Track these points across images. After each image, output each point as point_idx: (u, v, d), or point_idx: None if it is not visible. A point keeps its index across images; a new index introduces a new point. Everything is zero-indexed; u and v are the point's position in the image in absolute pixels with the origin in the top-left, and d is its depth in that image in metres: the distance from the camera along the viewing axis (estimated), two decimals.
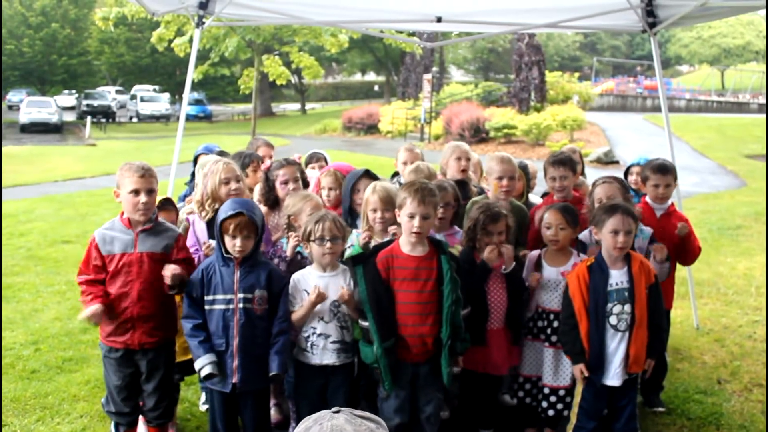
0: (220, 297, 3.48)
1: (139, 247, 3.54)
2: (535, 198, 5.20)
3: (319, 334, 3.59)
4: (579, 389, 3.86)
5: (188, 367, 4.15)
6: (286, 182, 4.39)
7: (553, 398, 4.00)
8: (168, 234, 3.64)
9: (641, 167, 4.96)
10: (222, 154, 5.25)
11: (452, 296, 3.48)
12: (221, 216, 3.47)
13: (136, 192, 3.48)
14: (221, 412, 3.58)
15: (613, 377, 3.69)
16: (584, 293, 3.67)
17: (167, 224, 3.74)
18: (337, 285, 3.59)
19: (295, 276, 3.66)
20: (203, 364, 3.42)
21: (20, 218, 11.05)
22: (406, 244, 3.56)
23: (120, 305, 3.54)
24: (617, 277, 3.68)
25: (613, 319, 3.65)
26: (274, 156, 5.55)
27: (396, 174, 5.34)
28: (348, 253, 3.83)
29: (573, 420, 3.90)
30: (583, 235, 4.20)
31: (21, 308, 6.52)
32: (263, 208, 4.36)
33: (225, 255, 3.49)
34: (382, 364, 3.47)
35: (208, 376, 3.43)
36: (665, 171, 4.48)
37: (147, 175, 3.51)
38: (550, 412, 4.02)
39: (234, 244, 3.43)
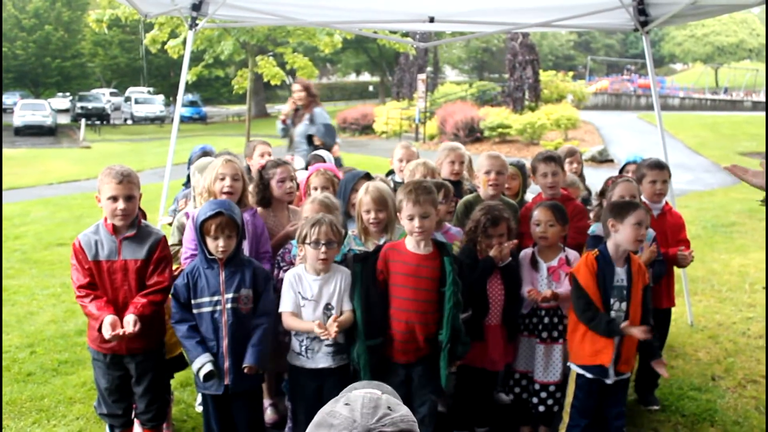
0: (206, 299, 3.47)
1: (123, 254, 3.50)
2: (531, 197, 5.22)
3: (314, 338, 3.58)
4: (571, 389, 3.87)
5: (176, 365, 4.16)
6: (283, 180, 4.39)
7: (543, 394, 4.03)
8: (151, 238, 3.59)
9: (636, 165, 5.00)
10: (207, 154, 5.25)
11: (453, 299, 3.50)
12: (200, 217, 3.45)
13: (114, 198, 3.44)
14: (215, 414, 3.59)
15: (607, 375, 3.71)
16: (596, 284, 3.67)
17: (151, 228, 3.69)
18: (331, 287, 3.59)
19: (289, 275, 3.65)
20: (202, 362, 3.40)
21: (15, 221, 11.04)
22: (411, 242, 3.59)
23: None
24: (620, 274, 3.71)
25: (611, 315, 3.67)
26: (273, 156, 5.55)
27: (391, 172, 5.36)
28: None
29: (566, 419, 3.92)
30: (600, 230, 4.19)
31: (16, 311, 6.51)
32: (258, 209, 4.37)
33: (208, 257, 3.48)
34: (362, 361, 3.49)
35: (209, 375, 3.40)
36: (661, 167, 4.54)
37: (125, 181, 3.45)
38: (541, 408, 4.04)
39: (217, 245, 3.43)
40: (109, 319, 3.38)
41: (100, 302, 3.47)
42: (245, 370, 3.44)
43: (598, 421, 3.87)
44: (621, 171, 5.55)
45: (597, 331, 3.68)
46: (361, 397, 1.33)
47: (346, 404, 1.31)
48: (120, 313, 3.51)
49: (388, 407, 1.31)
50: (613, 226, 3.76)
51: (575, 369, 3.82)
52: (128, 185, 3.48)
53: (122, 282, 3.51)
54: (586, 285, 3.68)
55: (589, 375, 3.74)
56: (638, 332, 3.58)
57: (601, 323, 3.65)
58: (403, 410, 1.32)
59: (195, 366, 3.44)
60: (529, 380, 4.11)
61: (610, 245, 3.75)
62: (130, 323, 3.39)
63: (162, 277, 3.58)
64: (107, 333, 3.35)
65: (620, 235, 3.70)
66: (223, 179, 3.90)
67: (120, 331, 3.35)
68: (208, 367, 3.40)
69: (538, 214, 4.04)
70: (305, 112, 7.38)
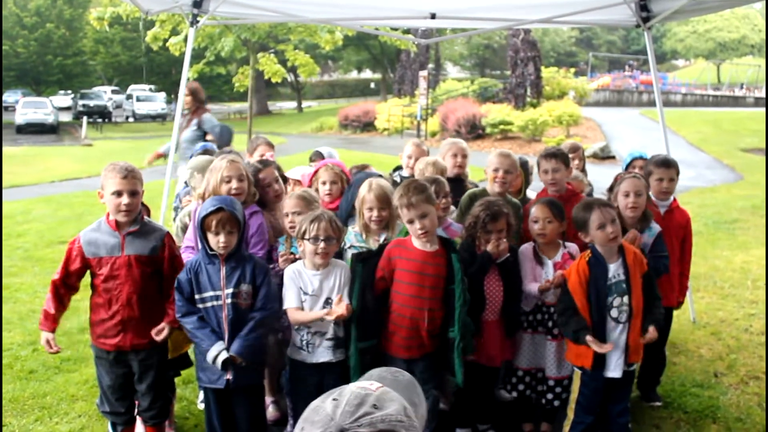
0: (208, 294, 3.48)
1: (127, 250, 3.51)
2: (532, 194, 5.21)
3: (314, 333, 3.59)
4: (576, 385, 3.86)
5: (181, 363, 4.16)
6: (269, 185, 4.32)
7: (558, 389, 4.03)
8: (155, 234, 3.61)
9: (644, 161, 5.01)
10: (208, 152, 5.25)
11: (463, 296, 3.51)
12: (201, 213, 3.47)
13: (119, 193, 3.45)
14: (217, 410, 3.59)
15: (615, 369, 3.71)
16: (585, 288, 3.67)
17: (154, 224, 3.72)
18: (331, 281, 3.59)
19: (289, 271, 3.66)
20: (219, 350, 3.40)
21: (17, 219, 11.04)
22: (417, 240, 3.60)
23: (110, 308, 3.54)
24: (614, 270, 3.70)
25: (614, 312, 3.67)
26: (275, 155, 5.54)
27: (398, 167, 5.35)
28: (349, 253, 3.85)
29: (570, 416, 3.92)
30: None
31: (18, 309, 6.51)
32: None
33: (210, 252, 3.49)
34: (353, 361, 3.53)
35: (225, 363, 3.40)
36: (669, 165, 4.52)
37: (130, 176, 3.47)
38: (556, 403, 4.04)
39: (218, 241, 3.43)
40: (46, 336, 3.67)
41: (56, 305, 3.63)
42: (230, 360, 3.43)
43: (601, 418, 3.87)
44: (627, 167, 5.52)
45: (565, 335, 3.76)
46: (350, 392, 1.28)
47: (334, 399, 1.27)
48: (124, 310, 3.53)
49: (374, 405, 1.26)
50: (584, 237, 3.78)
51: (575, 368, 3.83)
52: (132, 180, 3.49)
53: (126, 278, 3.51)
54: (573, 290, 3.69)
55: (584, 374, 3.74)
56: (600, 348, 3.58)
57: (569, 326, 3.68)
58: (390, 408, 1.27)
59: (210, 355, 3.42)
60: (533, 377, 4.11)
61: (597, 246, 3.76)
62: (163, 332, 3.60)
63: (177, 268, 3.62)
64: (44, 344, 3.67)
65: (596, 242, 3.71)
66: (229, 182, 3.90)
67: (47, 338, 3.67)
68: (225, 355, 3.40)
69: (535, 211, 4.03)
70: (193, 117, 7.24)
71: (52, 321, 3.62)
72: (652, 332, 3.69)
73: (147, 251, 3.55)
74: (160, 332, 3.57)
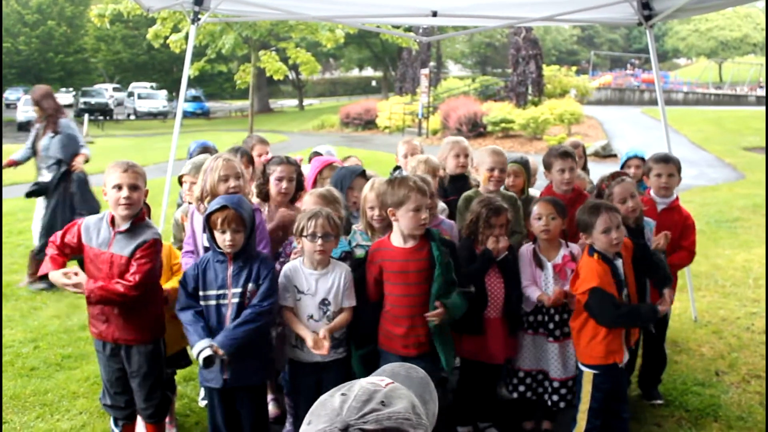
0: (213, 293, 3.47)
1: (113, 248, 3.48)
2: (536, 192, 5.19)
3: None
4: (587, 389, 3.74)
5: (177, 361, 4.15)
6: (281, 179, 4.27)
7: (563, 390, 4.00)
8: (141, 236, 3.50)
9: (641, 160, 5.01)
10: (206, 150, 5.23)
11: (440, 279, 3.47)
12: (208, 211, 3.47)
13: (119, 187, 3.43)
14: (220, 408, 3.58)
15: (624, 354, 3.73)
16: (616, 288, 3.64)
17: (147, 225, 3.61)
18: (328, 282, 3.57)
19: (286, 269, 3.65)
20: (202, 347, 3.33)
21: (18, 216, 11.05)
22: (397, 237, 3.56)
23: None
24: (619, 267, 3.71)
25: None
26: (270, 153, 5.51)
27: (398, 168, 5.33)
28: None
29: (581, 424, 3.76)
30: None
31: (20, 306, 6.52)
32: (255, 200, 4.32)
33: (217, 250, 3.48)
34: (355, 367, 3.60)
35: (207, 360, 3.33)
36: (667, 160, 4.51)
37: (130, 170, 3.46)
38: (562, 405, 4.01)
39: (224, 239, 3.41)
40: (56, 273, 3.45)
41: (57, 258, 3.51)
42: (212, 349, 3.36)
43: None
44: (622, 166, 5.51)
45: (641, 324, 3.83)
46: (360, 387, 1.27)
47: (343, 394, 1.26)
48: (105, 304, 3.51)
49: (382, 402, 1.24)
50: (586, 238, 3.75)
51: (588, 370, 3.72)
52: (133, 174, 3.47)
53: (107, 275, 3.47)
54: (605, 285, 3.59)
55: (604, 373, 3.69)
56: (666, 306, 3.88)
57: (642, 314, 3.72)
58: (398, 406, 1.25)
59: (195, 350, 3.38)
60: (534, 378, 4.09)
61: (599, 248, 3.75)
62: (80, 281, 3.42)
63: (135, 275, 3.43)
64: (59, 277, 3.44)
65: (597, 245, 3.68)
66: (226, 180, 3.84)
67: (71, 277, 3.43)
68: (207, 352, 3.33)
69: (538, 208, 4.01)
70: (50, 124, 7.18)
71: (57, 264, 3.50)
72: (668, 295, 3.88)
73: (128, 252, 3.47)
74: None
